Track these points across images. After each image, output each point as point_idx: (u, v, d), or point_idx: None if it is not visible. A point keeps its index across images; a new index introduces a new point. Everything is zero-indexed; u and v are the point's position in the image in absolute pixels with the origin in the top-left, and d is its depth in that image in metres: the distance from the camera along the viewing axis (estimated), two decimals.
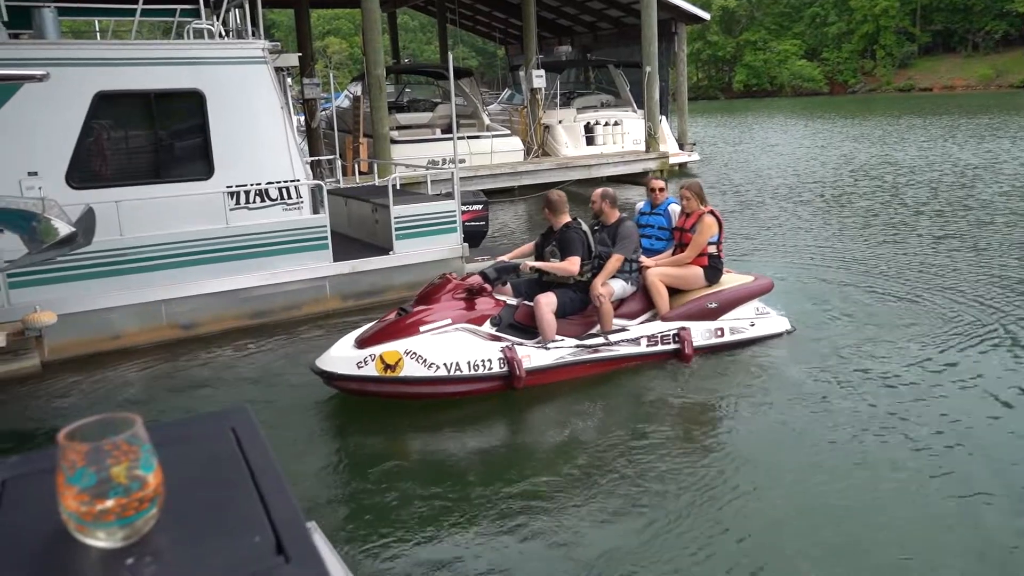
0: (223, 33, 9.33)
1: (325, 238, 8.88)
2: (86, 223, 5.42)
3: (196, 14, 9.39)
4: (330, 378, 6.19)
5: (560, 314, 6.54)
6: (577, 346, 6.56)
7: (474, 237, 10.68)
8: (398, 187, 10.77)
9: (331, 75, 16.13)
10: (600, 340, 6.67)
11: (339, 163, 12.96)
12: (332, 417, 6.39)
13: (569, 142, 19.00)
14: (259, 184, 8.72)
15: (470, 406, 6.26)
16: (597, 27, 26.45)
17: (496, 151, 17.32)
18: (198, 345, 7.96)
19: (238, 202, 8.60)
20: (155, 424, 1.19)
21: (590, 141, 19.40)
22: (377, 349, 6.05)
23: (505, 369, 6.25)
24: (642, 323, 6.97)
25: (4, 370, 6.98)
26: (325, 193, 9.08)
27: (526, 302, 6.63)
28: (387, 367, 6.01)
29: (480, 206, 11.02)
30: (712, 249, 7.16)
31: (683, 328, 6.89)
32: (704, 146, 25.65)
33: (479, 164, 16.48)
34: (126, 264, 7.84)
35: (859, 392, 6.16)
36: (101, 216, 7.43)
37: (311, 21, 28.55)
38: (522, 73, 19.94)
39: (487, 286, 6.47)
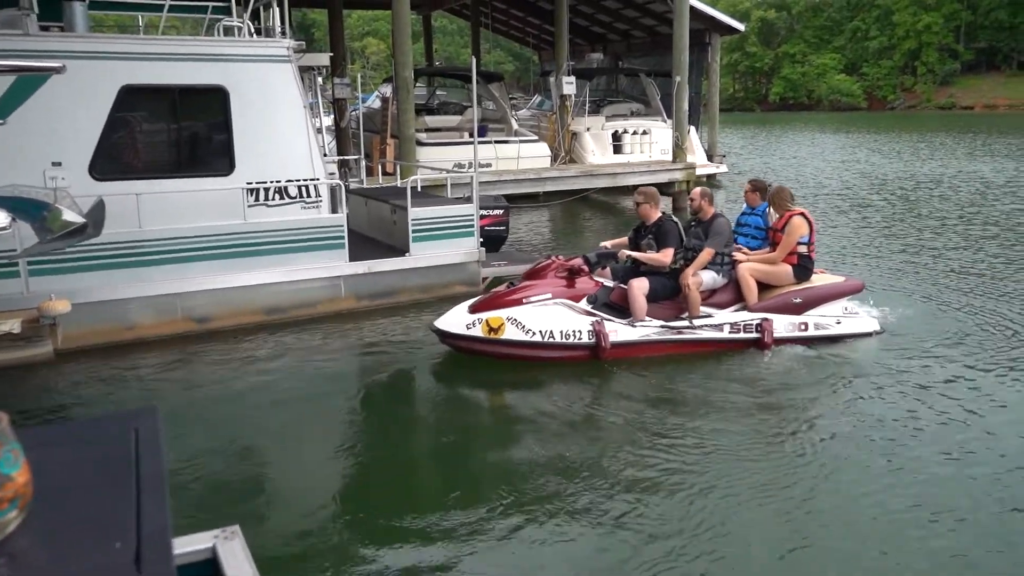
0: (252, 31, 9.42)
1: (342, 237, 8.92)
2: (96, 215, 5.50)
3: (228, 11, 9.50)
4: (444, 336, 7.16)
5: (652, 298, 7.22)
6: (662, 326, 7.21)
7: (494, 241, 10.67)
8: (419, 189, 10.80)
9: (359, 76, 16.20)
10: (685, 323, 7.25)
11: (363, 163, 13.03)
12: (340, 416, 6.41)
13: (596, 150, 18.93)
14: (279, 181, 8.79)
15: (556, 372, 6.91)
16: (631, 35, 26.33)
17: (523, 156, 17.29)
18: (211, 339, 8.02)
19: (257, 199, 8.66)
20: (58, 423, 1.17)
21: (618, 149, 19.31)
22: (485, 314, 7.01)
23: (593, 341, 6.99)
24: (730, 312, 7.46)
25: (18, 356, 7.09)
26: (343, 193, 9.12)
27: (621, 285, 7.32)
28: (491, 330, 6.94)
29: (501, 211, 11.01)
30: (802, 249, 7.58)
31: (765, 319, 7.36)
32: (733, 157, 25.47)
33: (505, 169, 16.48)
34: (143, 256, 7.94)
35: (930, 408, 6.05)
36: (123, 208, 7.55)
37: (351, 22, 28.79)
38: (552, 79, 19.91)
39: (585, 268, 7.23)
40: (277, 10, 9.41)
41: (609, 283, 7.40)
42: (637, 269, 7.44)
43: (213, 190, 8.41)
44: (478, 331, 6.97)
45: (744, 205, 8.36)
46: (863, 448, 5.42)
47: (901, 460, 5.23)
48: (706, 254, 7.31)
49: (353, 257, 9.01)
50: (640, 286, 7.16)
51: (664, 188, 17.30)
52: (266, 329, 8.33)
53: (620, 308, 7.23)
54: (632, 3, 23.52)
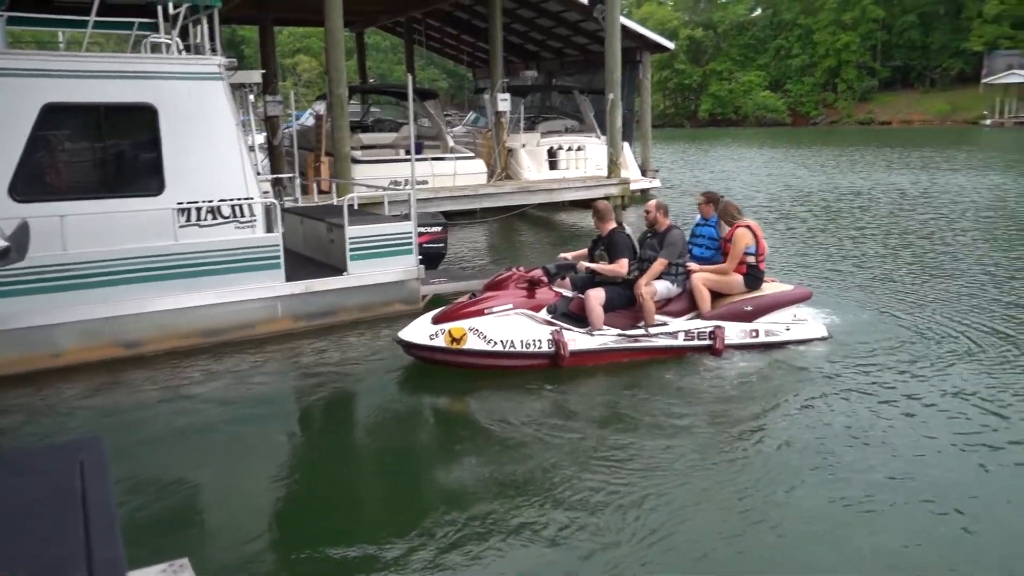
0: (181, 48, 9.22)
1: (278, 257, 8.76)
2: (20, 238, 5.28)
3: (155, 28, 9.28)
4: (408, 347, 7.31)
5: (608, 307, 7.48)
6: (619, 335, 7.47)
7: (432, 259, 10.63)
8: (356, 207, 10.70)
9: (292, 94, 16.01)
10: (641, 332, 7.51)
11: (298, 181, 12.85)
12: (280, 439, 6.28)
13: (532, 166, 19.07)
14: (211, 201, 8.60)
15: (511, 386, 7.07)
16: (563, 53, 26.68)
17: (459, 173, 17.29)
18: (142, 365, 7.78)
19: (189, 219, 8.46)
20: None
21: (553, 166, 19.48)
22: (447, 325, 7.19)
23: (552, 349, 7.22)
24: (684, 321, 7.76)
25: None
26: (279, 212, 8.98)
27: (580, 295, 7.58)
28: (454, 340, 7.13)
29: (439, 228, 10.99)
30: (751, 259, 7.89)
31: (718, 327, 7.67)
32: (665, 172, 25.99)
33: (442, 186, 16.47)
34: (70, 280, 7.65)
35: (873, 412, 6.30)
36: (46, 230, 7.27)
37: (282, 38, 28.46)
38: (487, 96, 20.00)
39: (544, 279, 7.49)
40: (207, 27, 9.25)
41: (568, 294, 7.65)
42: (595, 280, 7.69)
43: (142, 211, 8.18)
44: (441, 341, 7.15)
45: (698, 216, 8.61)
46: (808, 453, 5.60)
47: (842, 465, 5.41)
48: (658, 264, 7.60)
49: (290, 277, 8.86)
50: (597, 296, 7.44)
51: None
52: (200, 353, 8.12)
53: (579, 318, 7.48)
54: (564, 22, 23.86)
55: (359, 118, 20.89)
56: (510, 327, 7.23)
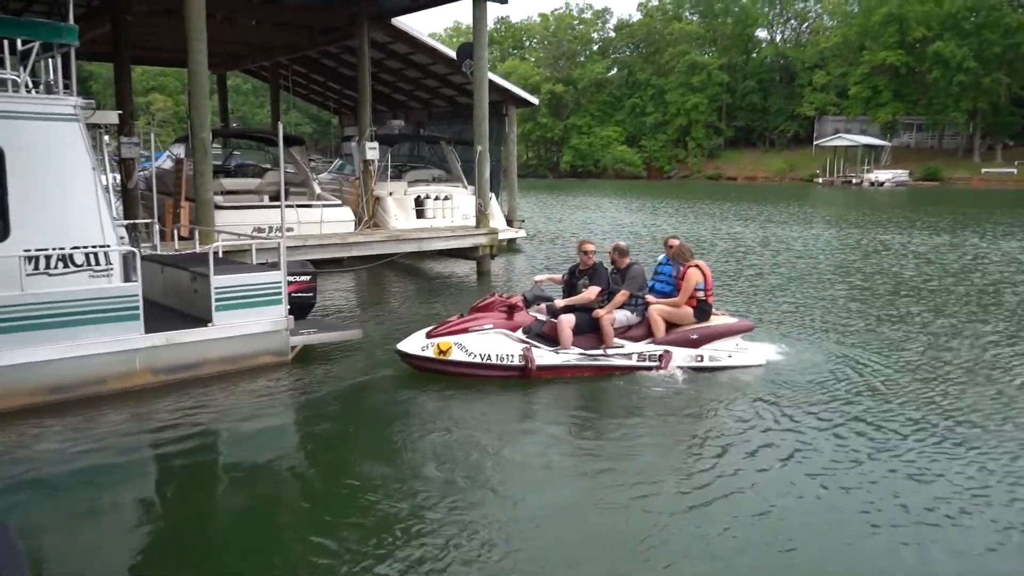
0: (30, 86, 8.72)
1: (136, 308, 8.33)
2: None
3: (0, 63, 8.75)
4: (403, 356, 8.62)
5: (577, 331, 8.73)
6: (580, 354, 8.74)
7: (301, 309, 10.39)
8: (220, 255, 10.36)
9: (152, 135, 15.38)
10: (600, 352, 8.75)
11: (157, 227, 12.30)
12: (133, 502, 5.92)
13: (399, 215, 19.09)
14: (63, 248, 8.11)
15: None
16: (431, 104, 27.08)
17: (326, 221, 17.07)
18: None
19: (37, 267, 7.93)
20: None
21: (420, 214, 19.58)
22: (436, 339, 8.53)
23: (522, 363, 8.44)
24: (639, 344, 8.95)
25: None
26: (139, 260, 8.56)
27: (553, 319, 8.84)
28: (441, 352, 8.44)
29: (308, 277, 10.78)
30: (700, 295, 9.12)
31: (667, 350, 8.89)
32: (529, 223, 26.66)
33: (308, 233, 16.19)
34: None
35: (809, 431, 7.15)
36: None
37: (135, 76, 27.26)
38: (354, 144, 19.93)
39: (521, 304, 8.86)
40: (60, 64, 8.79)
41: (543, 318, 8.90)
42: (568, 307, 8.91)
43: None
44: (430, 352, 8.44)
45: (662, 256, 9.91)
46: (727, 462, 6.35)
47: (759, 473, 6.15)
48: (621, 296, 8.91)
49: (149, 329, 8.42)
50: (568, 320, 8.70)
51: (468, 252, 17.75)
52: (49, 411, 7.55)
53: (551, 338, 8.71)
54: (432, 74, 24.27)
55: (221, 162, 20.28)
56: (488, 343, 8.50)
